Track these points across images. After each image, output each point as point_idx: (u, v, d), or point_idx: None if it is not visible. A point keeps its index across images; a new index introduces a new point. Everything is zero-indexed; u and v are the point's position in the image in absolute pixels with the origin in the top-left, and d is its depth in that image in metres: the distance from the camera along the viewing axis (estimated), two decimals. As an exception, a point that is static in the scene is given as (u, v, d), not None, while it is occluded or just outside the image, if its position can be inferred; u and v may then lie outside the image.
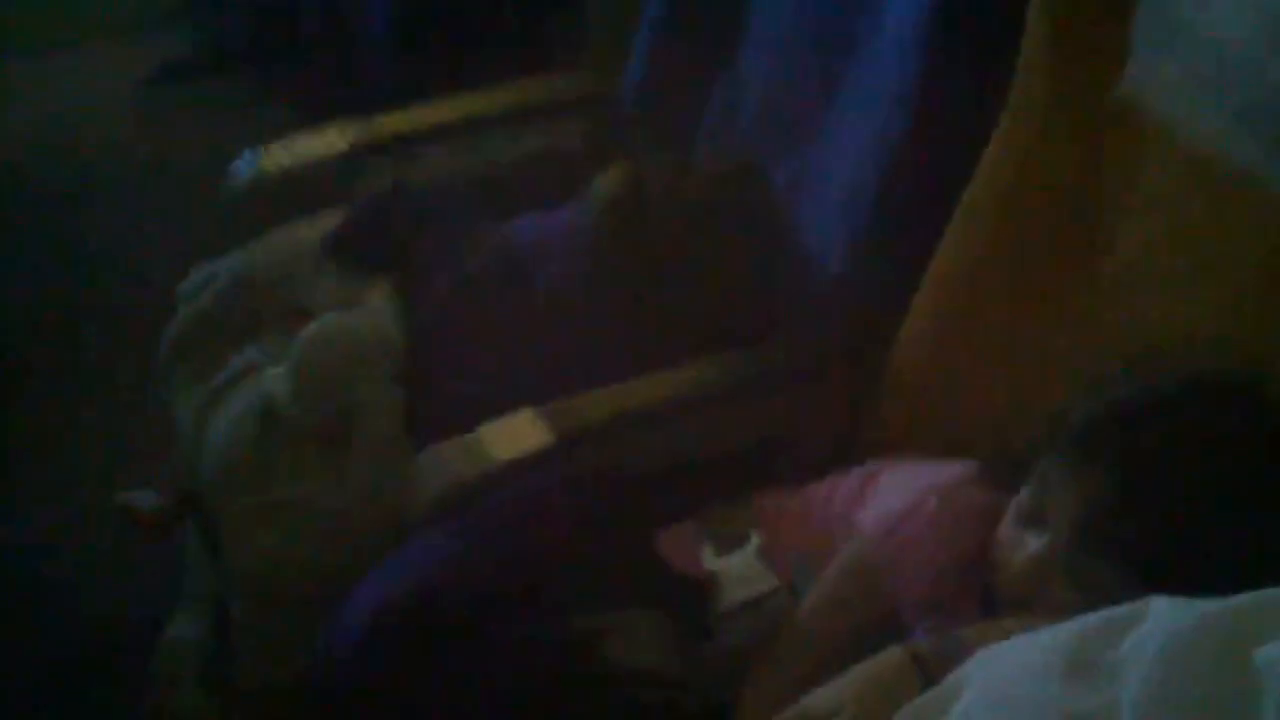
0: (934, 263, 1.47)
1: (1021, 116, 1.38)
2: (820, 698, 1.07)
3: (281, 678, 1.56)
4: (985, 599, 1.20)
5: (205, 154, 2.99)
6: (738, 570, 1.35)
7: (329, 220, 1.82)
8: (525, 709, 1.25)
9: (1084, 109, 1.35)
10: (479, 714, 1.24)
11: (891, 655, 1.08)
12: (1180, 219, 1.28)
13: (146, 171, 3.05)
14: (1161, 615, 0.87)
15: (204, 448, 1.62)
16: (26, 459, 2.36)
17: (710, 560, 1.37)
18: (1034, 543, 1.13)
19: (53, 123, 3.26)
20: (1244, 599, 0.85)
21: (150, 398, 1.88)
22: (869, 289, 1.52)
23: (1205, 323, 1.24)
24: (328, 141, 1.88)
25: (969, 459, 1.32)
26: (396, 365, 1.59)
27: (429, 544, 1.35)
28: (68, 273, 2.75)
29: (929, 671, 1.04)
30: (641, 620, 1.34)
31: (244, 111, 3.14)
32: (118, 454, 2.25)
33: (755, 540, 1.37)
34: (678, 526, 1.41)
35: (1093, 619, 0.90)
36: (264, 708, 1.64)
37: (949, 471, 1.27)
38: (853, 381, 1.53)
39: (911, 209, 1.48)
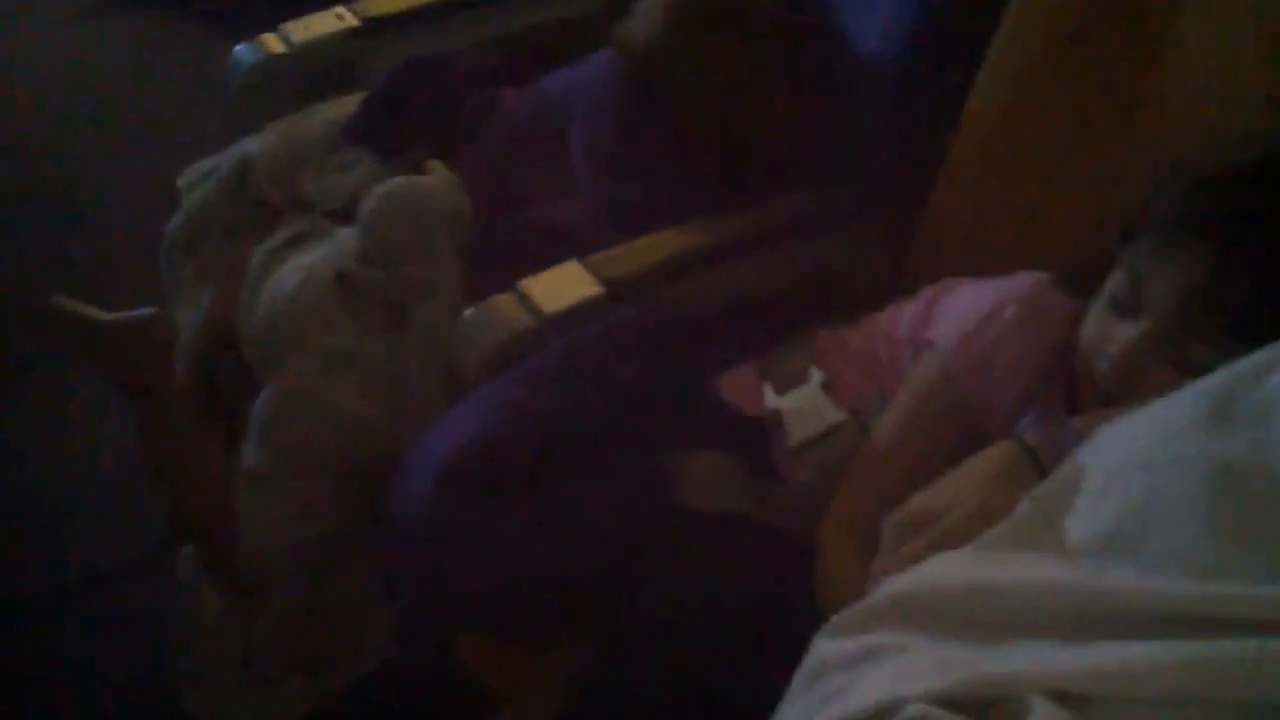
0: (972, 95, 1.44)
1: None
2: (933, 494, 1.03)
3: (284, 544, 1.52)
4: (1070, 401, 1.17)
5: (172, 71, 3.03)
6: (802, 407, 1.32)
7: (334, 107, 1.76)
8: (605, 548, 1.21)
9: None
10: (556, 555, 1.20)
11: (1001, 448, 1.04)
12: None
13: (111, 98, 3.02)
14: None
15: (261, 300, 1.57)
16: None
17: (772, 399, 1.34)
18: (1128, 331, 1.10)
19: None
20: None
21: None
22: (924, 79, 1.48)
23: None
24: (328, 23, 1.82)
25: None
26: (464, 232, 1.54)
27: (493, 394, 1.30)
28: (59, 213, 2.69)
29: (1042, 460, 1.01)
30: (711, 461, 1.30)
31: (199, 34, 3.12)
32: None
33: (817, 376, 1.34)
34: (737, 369, 1.37)
35: (1227, 372, 0.87)
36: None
37: (1022, 279, 1.24)
38: (901, 215, 1.49)
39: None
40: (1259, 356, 0.86)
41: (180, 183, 1.79)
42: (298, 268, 1.55)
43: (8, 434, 2.23)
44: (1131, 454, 0.89)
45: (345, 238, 1.54)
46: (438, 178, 1.59)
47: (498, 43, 1.86)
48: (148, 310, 1.52)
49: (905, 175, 1.50)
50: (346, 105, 1.75)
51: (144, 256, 1.85)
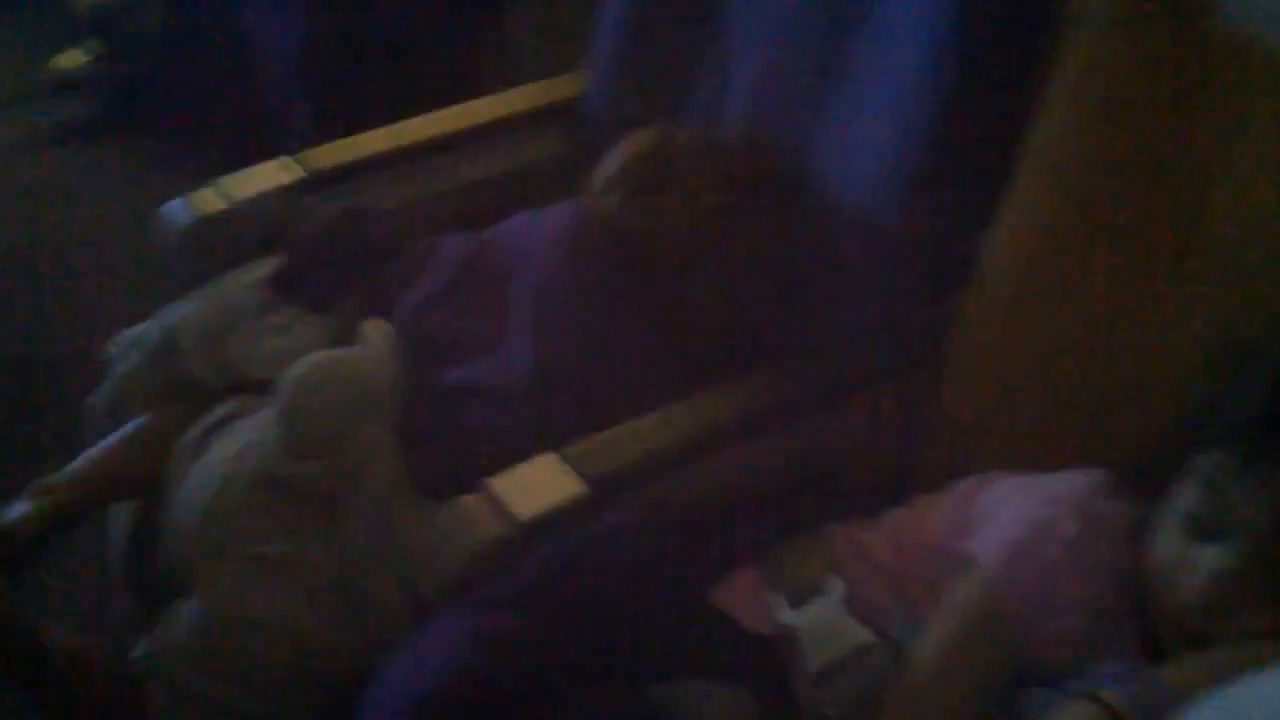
0: (989, 251, 1.30)
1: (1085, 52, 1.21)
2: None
3: None
4: (1142, 633, 1.00)
5: (118, 216, 2.86)
6: (821, 624, 1.14)
7: (267, 266, 1.59)
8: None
9: (1161, 50, 1.18)
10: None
11: (1080, 710, 0.87)
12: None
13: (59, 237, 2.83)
14: None
15: (181, 502, 1.38)
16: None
17: (785, 614, 1.16)
18: (1213, 558, 0.94)
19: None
20: None
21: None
22: (925, 246, 1.36)
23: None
24: (270, 176, 1.66)
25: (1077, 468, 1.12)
26: (394, 406, 1.36)
27: (462, 620, 1.11)
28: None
29: None
30: (715, 693, 1.12)
31: (150, 173, 2.95)
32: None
33: (838, 588, 1.16)
34: (739, 577, 1.20)
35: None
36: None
37: (1074, 482, 1.07)
38: (915, 388, 1.33)
39: (964, 151, 1.34)
40: None
41: (110, 350, 1.61)
42: (220, 461, 1.36)
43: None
44: None
45: (265, 424, 1.35)
46: (364, 348, 1.42)
47: (450, 195, 1.70)
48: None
49: (915, 343, 1.35)
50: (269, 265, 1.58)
51: (67, 426, 1.67)
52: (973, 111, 1.35)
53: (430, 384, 1.40)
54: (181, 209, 1.61)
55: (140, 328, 1.57)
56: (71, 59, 3.38)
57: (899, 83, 1.37)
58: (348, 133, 1.76)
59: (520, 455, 1.26)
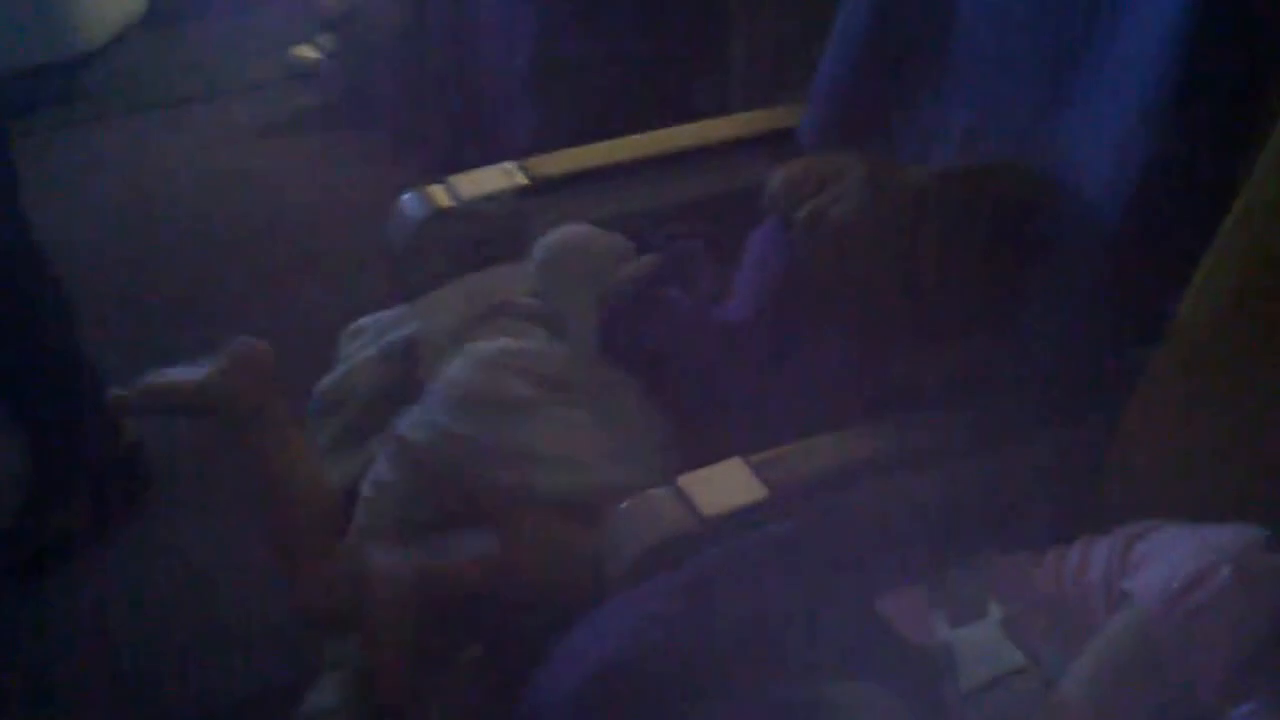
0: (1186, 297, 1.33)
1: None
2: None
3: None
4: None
5: (335, 204, 3.03)
6: (978, 643, 1.21)
7: (502, 275, 1.70)
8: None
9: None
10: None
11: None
12: None
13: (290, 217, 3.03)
14: None
15: None
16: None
17: (944, 630, 1.23)
18: None
19: (189, 173, 3.25)
20: None
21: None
22: (1134, 279, 1.40)
23: None
24: (496, 179, 1.78)
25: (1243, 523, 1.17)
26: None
27: (641, 603, 1.21)
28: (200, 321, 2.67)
29: None
30: (872, 695, 1.20)
31: (373, 166, 3.12)
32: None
33: (997, 612, 1.23)
34: (905, 591, 1.27)
35: None
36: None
37: (1235, 534, 1.12)
38: (1094, 429, 1.38)
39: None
40: None
41: (342, 338, 1.72)
42: None
43: (113, 576, 2.20)
44: None
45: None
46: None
47: (671, 210, 1.79)
48: (243, 341, 1.61)
49: (1101, 390, 1.40)
50: (513, 276, 1.69)
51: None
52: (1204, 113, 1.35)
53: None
54: (418, 201, 1.74)
55: (372, 318, 1.68)
56: (309, 50, 3.59)
57: (1139, 71, 1.37)
58: (567, 144, 1.89)
59: None
